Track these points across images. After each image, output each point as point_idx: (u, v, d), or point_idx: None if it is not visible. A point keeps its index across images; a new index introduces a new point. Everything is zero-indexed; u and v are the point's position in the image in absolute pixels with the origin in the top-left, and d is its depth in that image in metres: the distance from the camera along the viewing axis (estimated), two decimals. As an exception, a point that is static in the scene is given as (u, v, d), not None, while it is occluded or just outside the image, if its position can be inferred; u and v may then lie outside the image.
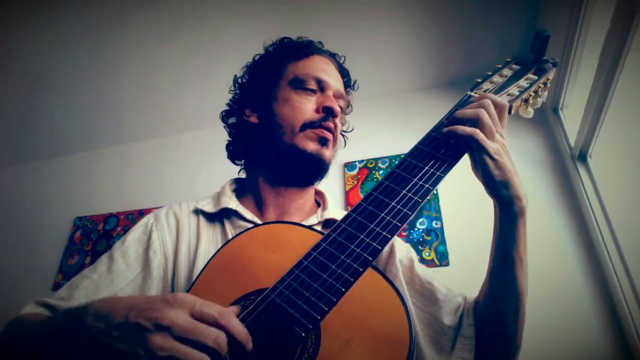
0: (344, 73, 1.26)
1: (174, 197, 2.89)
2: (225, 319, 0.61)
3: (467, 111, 0.84)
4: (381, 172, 2.68)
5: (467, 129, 0.81)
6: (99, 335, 0.60)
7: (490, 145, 0.80)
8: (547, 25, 2.32)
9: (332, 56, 1.24)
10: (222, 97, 3.19)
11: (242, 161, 1.25)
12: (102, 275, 0.94)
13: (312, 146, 1.07)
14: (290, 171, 1.11)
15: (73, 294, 0.90)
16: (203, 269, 0.83)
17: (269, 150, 1.12)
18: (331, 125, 1.09)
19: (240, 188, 1.19)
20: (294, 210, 1.12)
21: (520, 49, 2.54)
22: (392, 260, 1.06)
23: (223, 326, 0.60)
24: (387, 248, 1.09)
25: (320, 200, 1.22)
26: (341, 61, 1.27)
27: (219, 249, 0.86)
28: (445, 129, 0.85)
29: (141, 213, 2.99)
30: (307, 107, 1.09)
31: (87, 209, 3.20)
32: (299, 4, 2.46)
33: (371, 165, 2.71)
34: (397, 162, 2.67)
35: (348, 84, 1.28)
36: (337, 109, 1.10)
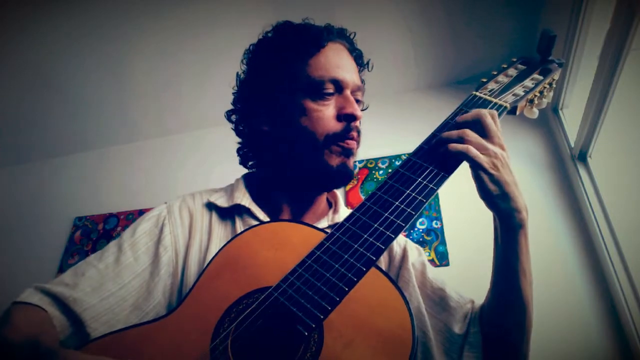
0: (357, 54, 1.18)
1: (174, 197, 2.88)
2: None
3: (453, 133, 0.83)
4: (381, 172, 2.68)
5: (459, 146, 0.80)
6: None
7: (483, 160, 0.79)
8: (548, 25, 2.33)
9: (343, 36, 1.15)
10: (222, 96, 3.18)
11: (254, 166, 1.19)
12: (109, 266, 0.92)
13: (337, 160, 1.02)
14: (315, 186, 1.08)
15: (78, 283, 0.87)
16: (206, 266, 0.83)
17: (291, 167, 1.06)
18: (355, 134, 1.04)
19: (253, 185, 1.14)
20: (308, 214, 1.10)
21: (522, 50, 2.54)
22: (405, 265, 1.04)
23: None
24: (399, 251, 1.08)
25: (332, 201, 1.19)
26: (352, 37, 1.18)
27: (222, 247, 0.85)
28: (435, 141, 0.84)
29: (141, 213, 2.98)
30: (327, 115, 1.02)
31: (87, 209, 3.19)
32: (298, 5, 2.47)
33: (371, 165, 2.71)
34: (397, 162, 2.67)
35: (362, 64, 1.21)
36: (359, 113, 1.04)
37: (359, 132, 1.07)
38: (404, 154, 2.69)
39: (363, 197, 2.59)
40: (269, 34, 1.17)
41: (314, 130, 1.01)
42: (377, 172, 2.68)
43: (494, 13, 2.45)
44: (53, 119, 3.24)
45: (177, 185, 3.09)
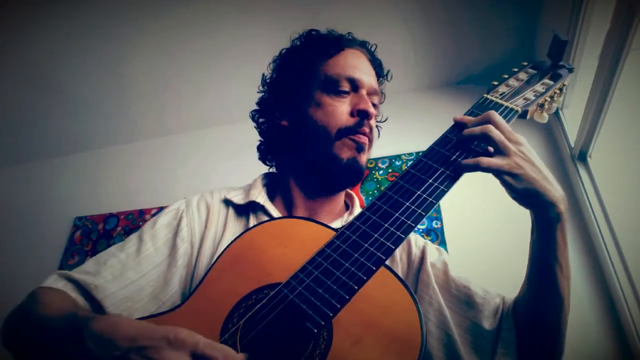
0: (376, 64, 1.21)
1: (174, 197, 2.87)
2: None
3: (476, 130, 0.82)
4: (381, 172, 2.68)
5: (469, 161, 0.79)
6: None
7: (502, 164, 0.78)
8: (548, 25, 2.33)
9: (363, 46, 1.19)
10: (222, 97, 3.19)
11: (273, 162, 1.23)
12: (130, 255, 0.95)
13: (349, 154, 1.05)
14: (327, 182, 1.09)
15: (100, 271, 0.90)
16: (215, 260, 0.84)
17: (304, 158, 1.10)
18: (367, 129, 1.07)
19: (271, 183, 1.18)
20: (323, 214, 1.11)
21: (521, 50, 2.55)
22: (424, 267, 1.03)
23: None
24: (417, 253, 1.07)
25: (349, 203, 1.20)
26: (372, 49, 1.22)
27: (231, 242, 0.86)
28: (456, 142, 0.85)
29: (141, 213, 2.99)
30: (340, 110, 1.06)
31: (87, 209, 3.19)
32: (298, 5, 2.47)
33: (371, 165, 2.72)
34: (397, 162, 2.67)
35: (381, 74, 1.23)
36: (372, 111, 1.07)
37: (371, 128, 1.09)
38: (404, 154, 2.69)
39: (363, 197, 2.60)
40: (296, 41, 1.21)
41: (326, 123, 1.05)
42: (377, 172, 2.68)
43: (493, 13, 2.45)
44: (53, 119, 3.24)
45: (177, 185, 3.09)
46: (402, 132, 2.75)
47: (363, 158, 1.08)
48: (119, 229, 3.00)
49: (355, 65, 1.11)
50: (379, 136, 1.30)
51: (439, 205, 2.43)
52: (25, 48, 2.69)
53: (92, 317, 0.67)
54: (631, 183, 2.00)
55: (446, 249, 2.29)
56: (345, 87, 1.08)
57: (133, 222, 2.98)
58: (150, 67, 2.87)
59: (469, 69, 2.77)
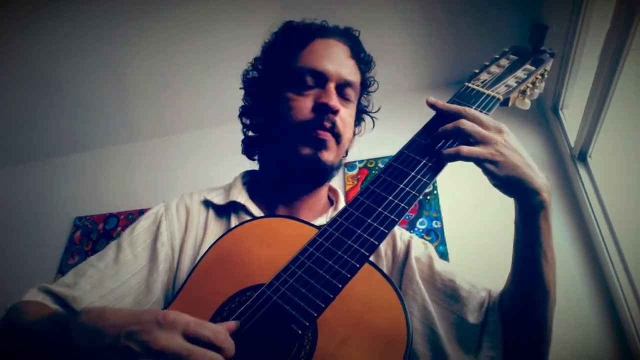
0: (356, 51, 1.13)
1: (173, 197, 2.88)
2: (221, 340, 0.59)
3: (449, 126, 0.81)
4: (381, 172, 2.67)
5: (450, 150, 0.78)
6: (89, 354, 0.59)
7: (483, 152, 0.77)
8: (548, 25, 2.32)
9: (340, 34, 1.13)
10: (221, 96, 3.18)
11: (256, 157, 1.20)
12: (109, 264, 0.93)
13: (307, 151, 0.99)
14: (292, 178, 1.06)
15: (78, 282, 0.88)
16: (197, 263, 0.82)
17: (273, 155, 1.09)
18: (327, 124, 1.00)
19: (252, 181, 1.15)
20: (305, 211, 1.08)
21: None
22: (409, 262, 1.01)
23: (219, 348, 0.59)
24: (402, 248, 1.05)
25: (333, 198, 1.18)
26: (357, 35, 1.16)
27: (213, 243, 0.84)
28: (433, 136, 0.84)
29: (141, 213, 2.97)
30: (303, 105, 1.01)
31: (87, 209, 3.19)
32: (297, 5, 2.46)
33: (371, 165, 2.71)
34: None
35: (363, 61, 1.16)
36: (333, 104, 0.99)
37: (334, 123, 1.02)
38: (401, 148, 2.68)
39: (363, 197, 2.59)
40: (273, 35, 1.19)
41: (289, 120, 1.01)
42: (377, 172, 2.68)
43: (494, 13, 2.44)
44: (53, 119, 3.24)
45: (177, 185, 3.09)
46: (402, 132, 2.71)
47: (326, 155, 1.01)
48: (119, 229, 3.00)
49: (322, 57, 1.05)
50: (373, 127, 1.26)
51: (439, 205, 2.42)
52: (25, 48, 2.69)
53: (77, 312, 0.66)
54: (631, 183, 1.99)
55: (446, 249, 2.28)
56: (309, 81, 1.02)
57: (133, 222, 2.97)
58: (150, 67, 2.87)
59: (469, 69, 2.75)
